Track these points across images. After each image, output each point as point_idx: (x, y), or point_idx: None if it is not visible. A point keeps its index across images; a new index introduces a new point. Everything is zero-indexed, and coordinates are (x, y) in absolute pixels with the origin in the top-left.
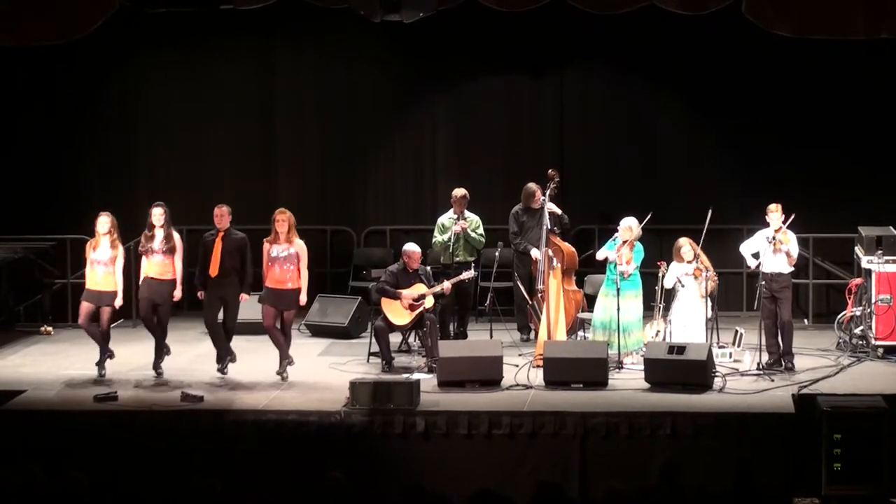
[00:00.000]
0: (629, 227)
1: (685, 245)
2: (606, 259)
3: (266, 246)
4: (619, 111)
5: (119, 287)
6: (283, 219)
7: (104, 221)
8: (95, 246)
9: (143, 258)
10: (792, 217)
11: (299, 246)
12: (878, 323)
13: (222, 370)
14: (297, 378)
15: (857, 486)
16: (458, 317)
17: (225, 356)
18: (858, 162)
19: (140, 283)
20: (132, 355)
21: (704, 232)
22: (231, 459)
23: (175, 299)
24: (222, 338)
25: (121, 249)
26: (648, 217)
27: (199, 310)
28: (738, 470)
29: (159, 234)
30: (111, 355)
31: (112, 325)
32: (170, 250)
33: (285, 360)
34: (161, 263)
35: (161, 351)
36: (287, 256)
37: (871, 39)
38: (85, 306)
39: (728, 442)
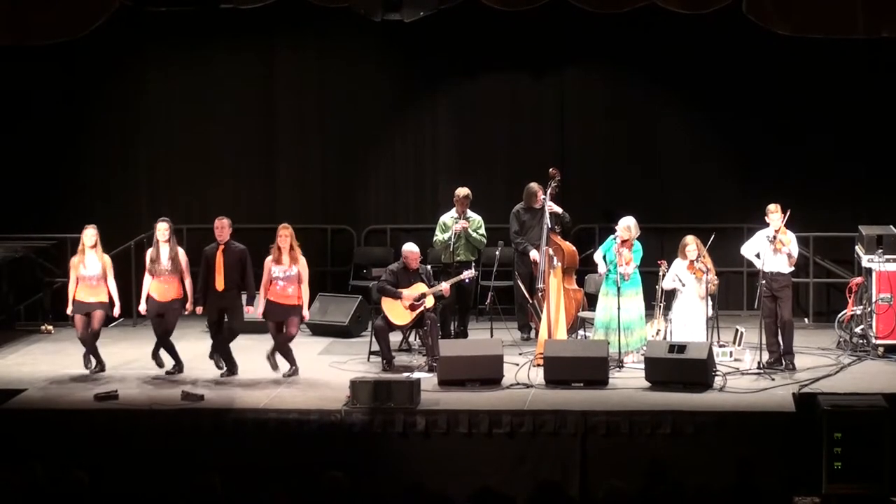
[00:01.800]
0: (627, 226)
1: (691, 243)
2: (598, 265)
3: (268, 264)
4: (620, 110)
5: (114, 294)
6: (285, 234)
7: (91, 234)
8: (83, 261)
9: (149, 277)
10: (787, 213)
11: (301, 265)
12: (879, 322)
13: (222, 372)
14: (298, 377)
15: (858, 484)
16: (459, 316)
17: (232, 367)
18: (859, 161)
19: (145, 300)
20: (132, 354)
21: (706, 248)
22: (231, 458)
23: (186, 312)
24: (226, 347)
25: (108, 259)
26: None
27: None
28: (738, 469)
29: (164, 250)
30: (102, 367)
31: (111, 325)
32: (176, 269)
33: (293, 366)
34: (167, 282)
35: (162, 350)
36: (289, 277)
37: (872, 38)
38: (79, 319)
39: (728, 441)
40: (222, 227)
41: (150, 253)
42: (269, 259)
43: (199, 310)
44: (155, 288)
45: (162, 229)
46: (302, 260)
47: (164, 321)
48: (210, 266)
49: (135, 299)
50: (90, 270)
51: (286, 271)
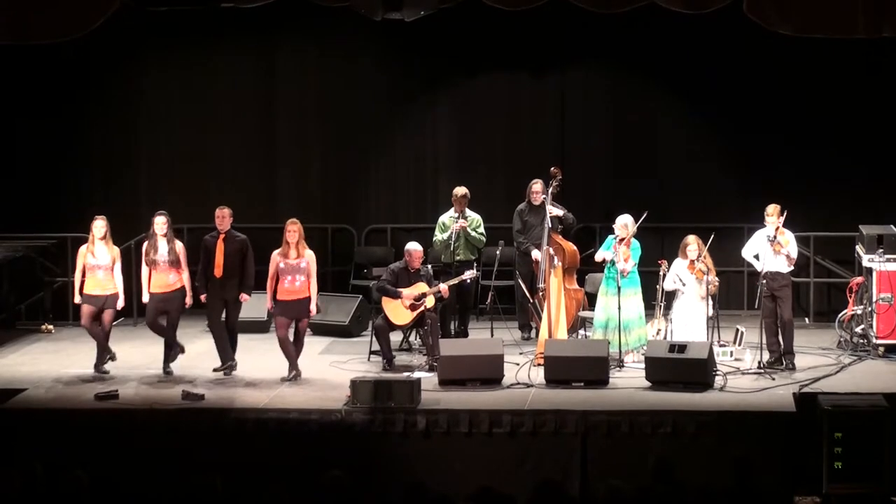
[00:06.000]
0: (624, 224)
1: (692, 243)
2: (604, 260)
3: (276, 258)
4: (620, 110)
5: (120, 288)
6: (293, 229)
7: (100, 226)
8: (92, 251)
9: (147, 269)
10: (785, 214)
11: (310, 257)
12: (879, 321)
13: (225, 373)
14: (299, 378)
15: (858, 484)
16: (459, 315)
17: (226, 360)
18: (859, 160)
19: (146, 295)
20: (133, 354)
21: (707, 248)
22: (232, 458)
23: (186, 306)
24: (226, 341)
25: (117, 251)
26: (644, 216)
27: (200, 308)
28: (738, 468)
29: (162, 243)
30: (113, 357)
31: (113, 324)
32: (175, 262)
33: (294, 370)
34: (167, 276)
35: (171, 352)
36: (298, 269)
37: (873, 38)
38: (87, 308)
39: (729, 440)
40: (223, 217)
41: (146, 246)
42: (276, 252)
43: (203, 297)
44: (155, 281)
45: (160, 223)
46: (310, 253)
47: (168, 317)
48: (210, 254)
49: (135, 298)
50: (100, 260)
51: (295, 264)
